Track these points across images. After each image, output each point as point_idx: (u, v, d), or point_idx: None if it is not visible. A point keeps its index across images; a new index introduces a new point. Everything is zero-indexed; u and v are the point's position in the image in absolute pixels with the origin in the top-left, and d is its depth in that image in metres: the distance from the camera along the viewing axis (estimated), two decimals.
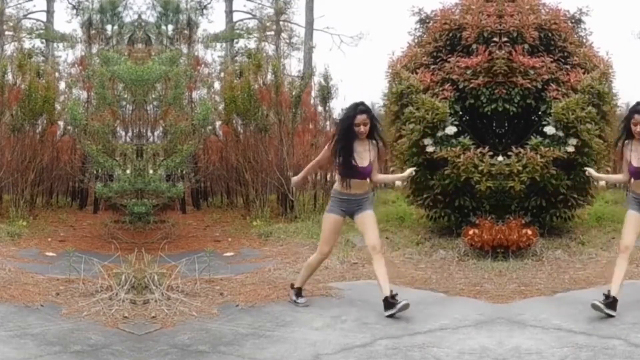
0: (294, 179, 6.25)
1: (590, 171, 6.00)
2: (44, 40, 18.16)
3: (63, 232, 10.49)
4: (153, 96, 9.53)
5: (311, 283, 6.57)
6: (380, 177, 6.05)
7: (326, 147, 5.76)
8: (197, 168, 12.54)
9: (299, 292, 5.94)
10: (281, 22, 21.09)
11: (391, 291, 5.45)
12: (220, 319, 5.46)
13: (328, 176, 12.63)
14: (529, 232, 7.72)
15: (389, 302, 5.40)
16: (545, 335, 4.93)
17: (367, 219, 5.65)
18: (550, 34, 8.64)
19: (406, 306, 5.38)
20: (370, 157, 5.63)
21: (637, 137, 5.52)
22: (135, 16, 11.05)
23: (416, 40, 9.52)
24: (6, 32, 17.78)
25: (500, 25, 8.36)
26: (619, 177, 5.91)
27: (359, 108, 5.60)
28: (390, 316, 5.35)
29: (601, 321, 5.21)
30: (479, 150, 7.98)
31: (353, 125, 5.56)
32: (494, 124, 8.44)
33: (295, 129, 11.82)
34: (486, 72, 8.19)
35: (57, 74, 14.10)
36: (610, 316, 5.29)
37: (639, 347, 4.63)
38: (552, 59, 8.40)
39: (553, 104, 8.04)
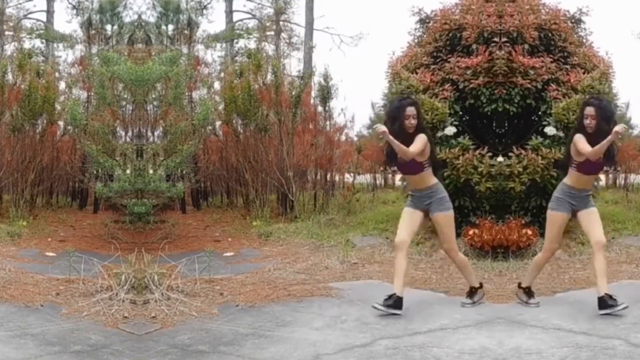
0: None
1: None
2: (44, 40, 18.18)
3: (63, 232, 10.47)
4: (153, 96, 9.52)
5: (311, 283, 6.58)
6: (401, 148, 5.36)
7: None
8: (197, 168, 12.54)
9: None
10: (281, 22, 21.10)
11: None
12: (220, 319, 5.45)
13: (328, 176, 12.64)
14: (529, 232, 7.72)
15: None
16: (545, 335, 4.93)
17: (438, 222, 5.62)
18: (550, 34, 8.65)
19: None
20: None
21: (589, 130, 5.38)
22: (135, 16, 11.03)
23: (416, 40, 9.53)
24: (6, 32, 17.80)
25: (500, 25, 8.36)
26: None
27: (407, 100, 5.50)
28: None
29: (601, 321, 5.21)
30: (477, 151, 7.98)
31: (402, 119, 5.38)
32: (494, 124, 8.43)
33: (295, 129, 11.81)
34: (486, 72, 8.19)
35: (57, 74, 14.11)
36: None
37: (639, 347, 4.63)
38: (552, 59, 8.40)
39: (553, 105, 8.05)
